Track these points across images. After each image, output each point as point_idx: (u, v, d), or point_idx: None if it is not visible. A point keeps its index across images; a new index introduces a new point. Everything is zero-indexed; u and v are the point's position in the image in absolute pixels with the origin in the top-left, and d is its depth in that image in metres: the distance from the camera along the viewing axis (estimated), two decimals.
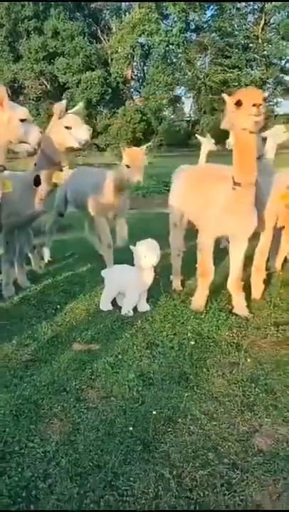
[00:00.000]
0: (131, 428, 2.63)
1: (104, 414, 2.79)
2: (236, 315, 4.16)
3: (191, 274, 5.19)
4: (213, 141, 7.29)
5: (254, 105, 3.51)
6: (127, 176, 4.71)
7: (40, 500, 2.16)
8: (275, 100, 39.56)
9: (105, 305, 4.40)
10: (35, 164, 4.57)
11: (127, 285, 4.31)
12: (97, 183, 5.26)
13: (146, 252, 4.18)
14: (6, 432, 2.58)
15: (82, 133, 4.33)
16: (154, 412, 2.77)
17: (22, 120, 3.73)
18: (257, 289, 4.65)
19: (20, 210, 4.54)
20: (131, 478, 2.29)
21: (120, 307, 4.36)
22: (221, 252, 5.80)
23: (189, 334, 3.80)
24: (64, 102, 4.48)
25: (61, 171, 4.58)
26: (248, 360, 3.40)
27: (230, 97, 3.71)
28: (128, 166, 4.68)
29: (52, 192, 5.06)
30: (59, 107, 4.37)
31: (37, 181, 4.51)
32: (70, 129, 4.32)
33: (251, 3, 37.08)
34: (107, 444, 2.52)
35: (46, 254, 6.09)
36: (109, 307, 4.39)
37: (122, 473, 2.32)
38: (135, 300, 4.28)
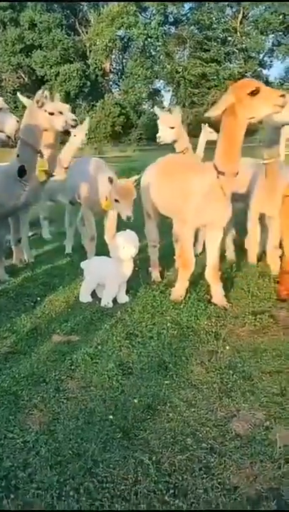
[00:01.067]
0: (110, 416, 2.65)
1: (84, 404, 2.80)
2: (215, 305, 4.21)
3: (169, 266, 5.25)
4: (211, 130, 7.31)
5: (282, 95, 3.58)
6: (116, 209, 4.50)
7: (20, 489, 2.16)
8: None
9: (85, 297, 4.40)
10: (18, 155, 4.54)
11: (106, 277, 4.32)
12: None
13: (125, 244, 4.19)
14: None
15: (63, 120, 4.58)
16: (135, 401, 2.79)
17: None
18: (274, 265, 4.89)
19: (3, 201, 4.53)
20: (110, 465, 2.31)
21: (100, 299, 4.36)
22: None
23: (168, 324, 3.84)
24: (46, 91, 4.53)
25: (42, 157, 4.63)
26: (227, 348, 3.45)
27: (241, 87, 3.71)
28: (117, 201, 4.45)
29: (44, 182, 5.08)
30: (41, 95, 4.44)
31: (22, 171, 4.51)
32: (52, 114, 4.47)
33: None
34: (87, 432, 2.54)
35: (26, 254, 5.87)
36: (89, 299, 4.40)
37: (101, 461, 2.33)
38: (114, 291, 4.30)
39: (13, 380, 3.03)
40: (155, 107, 6.42)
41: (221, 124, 3.85)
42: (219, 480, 2.23)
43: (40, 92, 4.55)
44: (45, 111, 4.55)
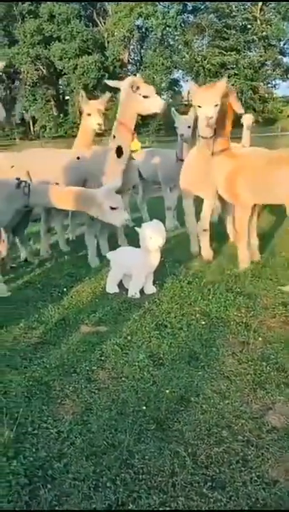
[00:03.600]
0: (144, 407, 2.62)
1: (116, 395, 2.78)
2: (244, 296, 4.14)
3: (196, 256, 5.19)
4: (251, 116, 7.33)
5: None
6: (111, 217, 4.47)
7: (57, 479, 2.15)
8: (273, 82, 39.17)
9: (111, 287, 4.38)
10: (114, 136, 4.85)
11: (132, 267, 4.28)
12: None
13: (152, 234, 4.14)
14: (18, 413, 2.56)
15: (159, 102, 4.72)
16: (167, 391, 2.76)
17: None
18: None
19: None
20: (146, 457, 2.28)
21: (127, 289, 4.33)
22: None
23: (197, 315, 3.79)
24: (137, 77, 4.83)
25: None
26: (258, 339, 3.39)
27: None
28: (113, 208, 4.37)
29: None
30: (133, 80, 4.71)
31: (120, 152, 4.82)
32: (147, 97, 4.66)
33: None
34: (121, 423, 2.51)
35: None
36: (116, 289, 4.37)
37: (137, 452, 2.31)
38: (141, 282, 4.26)
39: (44, 371, 3.03)
40: (172, 109, 6.39)
41: None
42: (258, 473, 2.18)
43: (131, 78, 4.80)
44: (140, 94, 4.66)
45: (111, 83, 5.10)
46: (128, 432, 2.43)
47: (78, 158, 5.17)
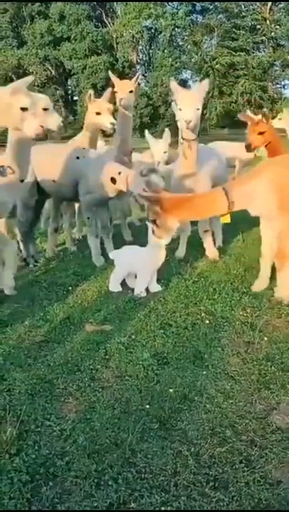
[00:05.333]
0: (147, 406, 2.62)
1: (120, 393, 2.77)
2: (249, 295, 4.11)
3: (202, 255, 5.17)
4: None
5: None
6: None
7: (58, 477, 2.15)
8: (283, 82, 39.00)
9: (114, 286, 4.37)
10: None
11: (137, 265, 4.27)
12: None
13: None
14: (22, 410, 2.56)
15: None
16: (171, 390, 2.75)
17: None
18: None
19: None
20: (149, 455, 2.27)
21: (130, 289, 4.33)
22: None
23: (203, 314, 3.77)
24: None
25: None
26: (264, 339, 3.37)
27: None
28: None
29: None
30: None
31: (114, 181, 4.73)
32: None
33: None
34: (124, 421, 2.50)
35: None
36: (119, 288, 4.36)
37: (139, 450, 2.30)
38: (147, 280, 4.25)
39: (48, 369, 3.03)
40: (146, 133, 6.22)
41: None
42: (261, 474, 2.16)
43: None
44: None
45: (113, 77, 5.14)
46: (131, 430, 2.42)
47: (78, 158, 5.07)
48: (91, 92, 5.41)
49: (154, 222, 3.80)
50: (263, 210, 3.88)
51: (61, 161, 5.07)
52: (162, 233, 3.87)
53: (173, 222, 3.82)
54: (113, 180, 4.61)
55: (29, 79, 3.69)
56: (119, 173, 4.57)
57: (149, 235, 4.13)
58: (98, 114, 5.26)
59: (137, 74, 5.65)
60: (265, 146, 5.00)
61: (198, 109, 4.28)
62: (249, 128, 5.03)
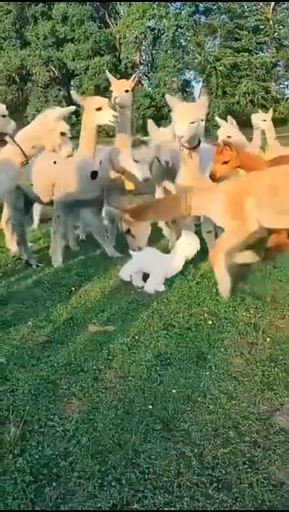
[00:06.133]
0: (150, 407, 2.61)
1: (123, 394, 2.77)
2: (253, 296, 4.11)
3: (205, 256, 5.16)
4: (260, 114, 7.23)
5: None
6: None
7: (62, 477, 2.15)
8: (286, 83, 38.93)
9: (125, 274, 4.50)
10: None
11: (152, 267, 4.39)
12: None
13: (192, 241, 4.37)
14: (25, 411, 2.56)
15: None
16: (174, 391, 2.75)
17: None
18: None
19: None
20: (152, 456, 2.27)
21: (136, 289, 4.35)
22: None
23: (206, 315, 3.77)
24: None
25: None
26: (267, 340, 3.37)
27: None
28: None
29: None
30: None
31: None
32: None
33: None
34: (127, 422, 2.50)
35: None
36: (128, 278, 4.49)
37: (142, 451, 2.30)
38: (158, 283, 4.35)
39: (51, 369, 3.03)
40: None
41: None
42: (264, 475, 2.16)
43: None
44: None
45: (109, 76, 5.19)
46: (134, 431, 2.42)
47: (55, 162, 4.96)
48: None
49: (128, 231, 4.29)
50: (216, 219, 4.34)
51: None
52: (138, 241, 4.40)
53: (145, 227, 4.35)
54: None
55: None
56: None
57: (179, 243, 4.38)
58: (99, 109, 5.01)
59: (134, 75, 5.58)
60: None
61: (192, 122, 4.26)
62: (214, 156, 4.68)
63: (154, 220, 4.47)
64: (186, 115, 4.28)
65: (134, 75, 5.44)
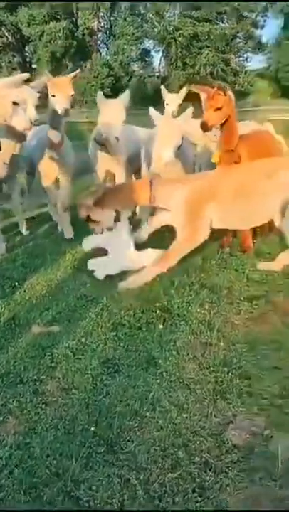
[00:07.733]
0: (92, 428, 2.38)
1: (65, 410, 2.53)
2: (208, 288, 3.93)
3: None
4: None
5: None
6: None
7: None
8: (245, 55, 38.68)
9: (87, 246, 4.54)
10: None
11: (114, 249, 4.32)
12: None
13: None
14: None
15: None
16: (120, 406, 2.53)
17: None
18: None
19: None
20: (93, 487, 2.06)
21: (85, 282, 4.08)
22: None
23: (158, 312, 3.55)
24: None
25: None
26: (221, 340, 3.18)
27: None
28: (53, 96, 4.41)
29: None
30: None
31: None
32: None
33: None
34: (67, 446, 2.27)
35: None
36: (88, 249, 4.54)
37: (83, 481, 2.08)
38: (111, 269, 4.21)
39: None
40: (162, 86, 6.00)
41: None
42: (215, 503, 1.99)
43: None
44: None
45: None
46: (75, 456, 2.20)
47: None
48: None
49: (88, 219, 4.11)
50: (172, 217, 4.12)
51: None
52: (103, 223, 4.19)
53: (108, 213, 4.12)
54: None
55: None
56: None
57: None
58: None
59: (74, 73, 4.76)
60: (221, 125, 4.31)
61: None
62: (204, 103, 4.48)
63: (115, 207, 4.18)
64: (172, 137, 4.21)
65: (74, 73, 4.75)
